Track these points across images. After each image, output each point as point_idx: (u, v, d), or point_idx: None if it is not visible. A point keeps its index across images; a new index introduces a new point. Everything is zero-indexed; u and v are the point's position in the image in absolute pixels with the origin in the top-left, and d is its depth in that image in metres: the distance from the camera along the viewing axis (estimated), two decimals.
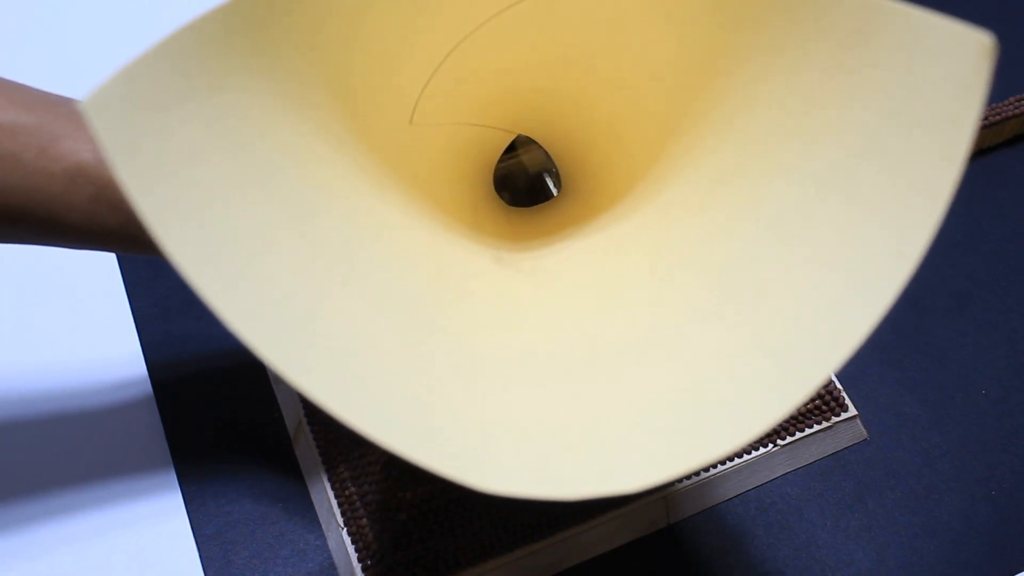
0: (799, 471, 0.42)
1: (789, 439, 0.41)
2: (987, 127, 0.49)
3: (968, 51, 0.19)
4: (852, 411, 0.42)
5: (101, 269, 0.46)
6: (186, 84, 0.20)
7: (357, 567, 0.38)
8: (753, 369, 0.20)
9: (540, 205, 0.40)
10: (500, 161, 0.39)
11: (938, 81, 0.19)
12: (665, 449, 0.20)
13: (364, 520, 0.38)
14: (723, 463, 0.41)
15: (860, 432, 0.42)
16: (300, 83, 0.24)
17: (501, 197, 0.39)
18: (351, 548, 0.38)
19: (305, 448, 0.41)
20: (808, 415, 0.42)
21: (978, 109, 0.19)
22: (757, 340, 0.21)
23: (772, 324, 0.21)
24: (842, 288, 0.20)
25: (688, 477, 0.40)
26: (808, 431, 0.41)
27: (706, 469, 0.40)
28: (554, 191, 0.45)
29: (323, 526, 0.40)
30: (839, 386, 0.42)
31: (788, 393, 0.19)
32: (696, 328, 0.22)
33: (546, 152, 0.44)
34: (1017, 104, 0.50)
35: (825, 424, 0.41)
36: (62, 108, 0.31)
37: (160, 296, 0.46)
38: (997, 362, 0.45)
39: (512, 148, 0.41)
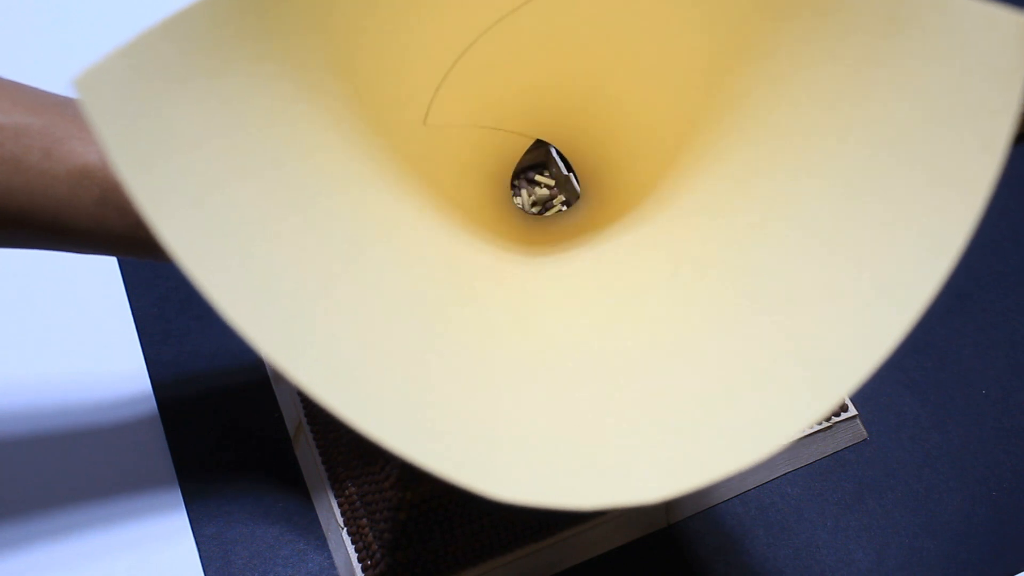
0: (799, 471, 0.42)
1: None
2: None
3: (1006, 34, 0.18)
4: (852, 411, 0.42)
5: (101, 269, 0.46)
6: (189, 65, 0.19)
7: (357, 567, 0.38)
8: (781, 375, 0.19)
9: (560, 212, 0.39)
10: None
11: (975, 68, 0.18)
12: (686, 458, 0.19)
13: (364, 520, 0.38)
14: None
15: (860, 432, 0.42)
16: (313, 70, 0.23)
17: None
18: (351, 548, 0.38)
19: (305, 448, 0.41)
20: None
21: (1018, 95, 0.18)
22: (785, 345, 0.20)
23: (801, 329, 0.20)
24: (875, 291, 0.19)
25: None
26: (808, 431, 0.41)
27: None
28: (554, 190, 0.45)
29: (323, 526, 0.40)
30: None
31: (817, 399, 0.19)
32: (721, 333, 0.21)
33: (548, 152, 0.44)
34: None
35: (825, 424, 0.41)
36: (67, 109, 0.30)
37: (160, 296, 0.46)
38: (997, 362, 0.45)
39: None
